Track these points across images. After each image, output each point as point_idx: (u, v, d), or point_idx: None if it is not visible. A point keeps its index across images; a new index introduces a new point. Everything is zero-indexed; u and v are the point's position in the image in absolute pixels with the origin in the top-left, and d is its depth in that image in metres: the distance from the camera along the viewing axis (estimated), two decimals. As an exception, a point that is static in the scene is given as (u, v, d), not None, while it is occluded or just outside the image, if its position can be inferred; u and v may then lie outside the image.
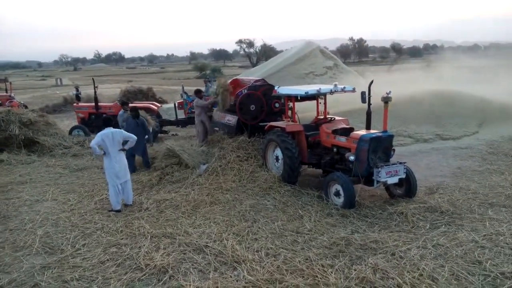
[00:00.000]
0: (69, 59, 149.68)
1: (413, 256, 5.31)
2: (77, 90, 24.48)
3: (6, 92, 23.08)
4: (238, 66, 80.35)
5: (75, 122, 15.39)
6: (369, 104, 7.40)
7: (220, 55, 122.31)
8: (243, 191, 8.12)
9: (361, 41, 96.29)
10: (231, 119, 10.49)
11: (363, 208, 7.04)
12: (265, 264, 5.23)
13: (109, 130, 7.36)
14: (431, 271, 4.91)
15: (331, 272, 4.98)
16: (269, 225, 6.52)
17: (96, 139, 7.27)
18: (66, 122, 18.44)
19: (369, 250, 5.56)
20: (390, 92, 6.92)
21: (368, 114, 7.56)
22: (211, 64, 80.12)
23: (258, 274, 5.01)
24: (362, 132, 7.47)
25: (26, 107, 20.29)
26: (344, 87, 8.26)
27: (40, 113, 13.53)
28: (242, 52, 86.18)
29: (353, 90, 8.37)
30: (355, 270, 5.01)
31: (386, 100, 6.94)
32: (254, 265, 5.22)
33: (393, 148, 7.52)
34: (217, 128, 11.31)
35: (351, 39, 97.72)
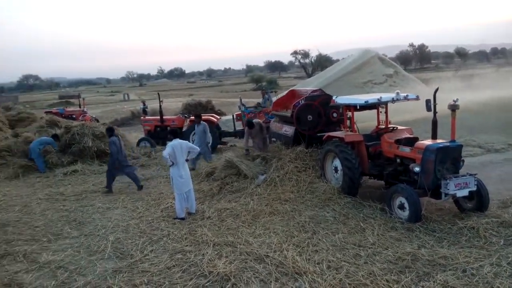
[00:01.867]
0: (135, 75, 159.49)
1: (486, 274, 4.96)
2: (144, 104, 25.98)
3: (80, 107, 25.11)
4: (293, 77, 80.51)
5: (142, 135, 16.31)
6: (435, 112, 7.10)
7: (275, 66, 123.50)
8: (302, 202, 8.09)
9: (422, 47, 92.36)
10: (288, 129, 10.53)
11: (430, 222, 6.70)
12: (327, 277, 5.16)
13: (177, 141, 7.78)
14: (508, 291, 4.57)
15: (397, 288, 4.80)
16: (329, 237, 6.43)
17: (167, 150, 7.69)
18: (134, 134, 19.58)
19: (438, 266, 5.28)
20: (457, 99, 6.60)
21: (434, 123, 7.24)
22: (266, 76, 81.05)
23: (320, 286, 4.96)
24: (428, 142, 7.16)
25: (97, 120, 21.96)
26: (407, 95, 7.99)
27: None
28: (297, 63, 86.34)
29: (417, 98, 8.06)
30: (422, 287, 4.79)
31: (453, 108, 6.62)
32: (316, 277, 5.17)
33: (462, 159, 7.12)
34: (274, 139, 11.42)
35: (411, 45, 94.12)
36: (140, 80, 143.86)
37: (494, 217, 6.57)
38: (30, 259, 6.30)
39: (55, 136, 13.02)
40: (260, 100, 17.40)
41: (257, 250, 6.05)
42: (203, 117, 15.42)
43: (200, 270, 5.59)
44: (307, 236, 6.50)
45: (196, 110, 23.92)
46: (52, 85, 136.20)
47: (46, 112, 24.10)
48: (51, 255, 6.38)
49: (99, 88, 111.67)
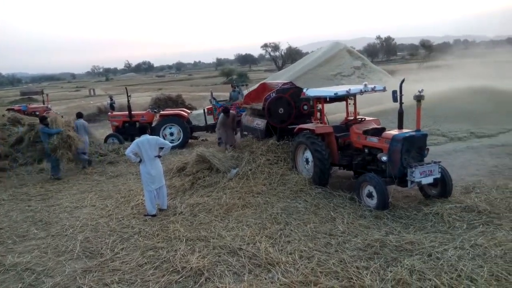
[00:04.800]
0: (101, 70, 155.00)
1: (450, 257, 5.19)
2: (111, 100, 25.30)
3: (43, 104, 24.18)
4: (264, 70, 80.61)
5: (109, 131, 15.91)
6: (401, 103, 7.28)
7: (246, 59, 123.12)
8: (274, 194, 8.17)
9: (388, 39, 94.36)
10: (260, 123, 10.57)
11: (397, 209, 6.93)
12: (299, 267, 5.25)
13: (145, 137, 7.61)
14: (470, 272, 4.79)
15: (366, 274, 4.94)
16: (301, 228, 6.54)
17: (131, 147, 7.54)
18: (101, 130, 19.11)
19: (405, 252, 5.47)
20: (422, 90, 6.81)
21: (400, 113, 7.44)
22: (237, 69, 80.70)
23: (292, 276, 5.04)
24: (395, 131, 7.36)
25: (62, 117, 21.15)
26: (375, 87, 8.17)
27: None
28: (267, 56, 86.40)
29: (384, 90, 8.27)
30: (391, 272, 4.95)
31: (418, 98, 6.83)
32: (288, 267, 5.26)
33: (427, 147, 7.37)
34: (246, 132, 11.43)
35: (379, 37, 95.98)
36: (106, 74, 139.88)
37: (457, 203, 6.87)
38: (-6, 262, 6.06)
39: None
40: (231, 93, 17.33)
41: (230, 244, 6.07)
42: (171, 112, 15.26)
43: (172, 266, 5.56)
44: (279, 228, 6.58)
45: (166, 104, 23.60)
46: (13, 81, 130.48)
47: (8, 110, 23.05)
48: (17, 257, 6.17)
49: (64, 84, 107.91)
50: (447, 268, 4.93)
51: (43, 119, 11.15)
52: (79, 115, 12.56)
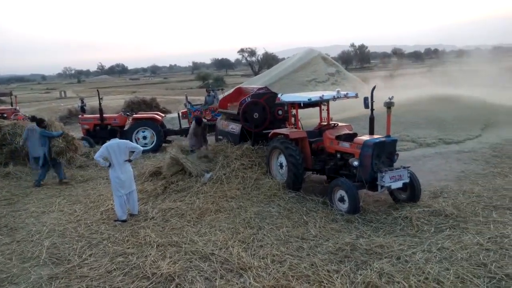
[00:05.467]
0: (73, 72, 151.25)
1: (418, 260, 5.31)
2: (82, 102, 24.68)
3: (12, 106, 23.35)
4: (240, 75, 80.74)
5: (80, 134, 15.53)
6: (372, 109, 7.44)
7: (222, 64, 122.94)
8: (248, 198, 8.15)
9: (362, 47, 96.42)
10: (235, 127, 10.56)
11: (367, 213, 7.05)
12: (271, 271, 5.25)
13: (114, 141, 7.44)
14: (437, 275, 4.91)
15: (337, 278, 4.99)
16: (274, 232, 6.55)
17: (100, 151, 7.37)
18: (71, 134, 18.55)
19: (375, 255, 5.57)
20: (392, 97, 6.97)
21: (371, 119, 7.59)
22: (213, 73, 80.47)
23: (264, 280, 5.02)
24: (366, 137, 7.50)
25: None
26: (347, 93, 8.32)
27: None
28: (244, 61, 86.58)
29: (356, 96, 8.43)
30: (360, 275, 5.02)
31: (388, 105, 6.99)
32: (260, 272, 5.25)
33: (396, 153, 7.54)
34: (221, 137, 11.38)
35: (352, 45, 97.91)
36: (78, 76, 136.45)
37: (426, 207, 7.06)
38: (-47, 271, 5.77)
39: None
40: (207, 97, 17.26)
41: (202, 249, 6.01)
42: (145, 115, 15.01)
43: (142, 272, 5.44)
44: (252, 232, 6.57)
45: (140, 108, 23.24)
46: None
47: (-26, 111, 22.12)
48: (-22, 265, 5.89)
49: (34, 85, 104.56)
50: (415, 271, 5.04)
51: (41, 122, 10.57)
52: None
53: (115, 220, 7.44)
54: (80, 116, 16.89)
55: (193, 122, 11.02)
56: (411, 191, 7.40)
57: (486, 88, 20.15)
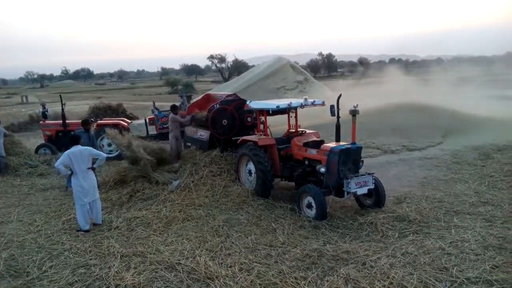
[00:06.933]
0: (36, 76, 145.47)
1: (383, 265, 5.41)
2: (44, 108, 23.65)
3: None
4: (210, 81, 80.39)
5: (41, 141, 14.95)
6: (338, 117, 7.57)
7: (192, 70, 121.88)
8: (216, 206, 8.07)
9: (330, 56, 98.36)
10: (204, 134, 10.47)
11: (334, 219, 7.14)
12: (239, 280, 5.19)
13: (76, 148, 7.17)
14: (401, 279, 5.02)
15: (304, 285, 5.00)
16: (242, 240, 6.50)
17: (61, 158, 7.07)
18: (33, 140, 17.87)
19: (341, 261, 5.63)
20: (357, 105, 7.13)
21: (337, 126, 7.72)
22: (183, 79, 79.70)
23: (231, 289, 4.97)
24: (332, 144, 7.62)
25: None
26: (314, 101, 8.43)
27: (5, 132, 13.03)
28: (214, 67, 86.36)
29: (323, 104, 8.55)
30: (327, 281, 5.06)
31: (353, 113, 7.14)
32: (228, 280, 5.18)
33: (362, 159, 7.70)
34: (189, 144, 11.25)
35: (320, 54, 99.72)
36: (41, 81, 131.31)
37: (390, 212, 7.23)
38: None
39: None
40: (178, 103, 17.02)
41: (168, 259, 5.87)
42: (110, 121, 14.62)
43: (105, 284, 5.25)
44: (220, 240, 6.49)
45: (105, 113, 22.61)
46: None
47: None
48: None
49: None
50: (380, 276, 5.13)
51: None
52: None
53: (78, 230, 7.16)
54: (41, 122, 16.22)
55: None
56: (376, 197, 7.56)
57: (447, 96, 21.07)
